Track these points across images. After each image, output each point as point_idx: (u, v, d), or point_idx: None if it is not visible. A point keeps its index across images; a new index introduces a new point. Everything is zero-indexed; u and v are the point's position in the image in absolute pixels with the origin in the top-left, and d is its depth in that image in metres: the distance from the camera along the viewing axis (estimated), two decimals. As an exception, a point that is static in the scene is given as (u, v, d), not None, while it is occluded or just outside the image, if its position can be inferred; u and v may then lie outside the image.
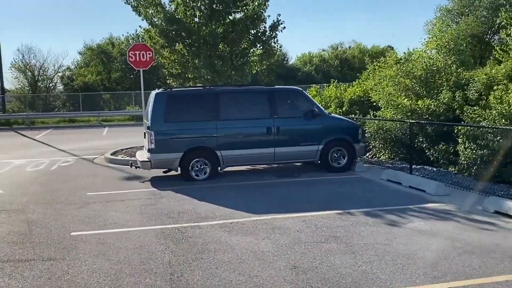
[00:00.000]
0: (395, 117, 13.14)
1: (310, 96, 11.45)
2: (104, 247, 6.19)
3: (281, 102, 11.28)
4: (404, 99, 12.99)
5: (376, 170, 11.45)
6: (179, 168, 10.64)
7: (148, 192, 9.60)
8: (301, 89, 11.56)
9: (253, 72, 16.70)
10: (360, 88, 16.88)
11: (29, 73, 45.15)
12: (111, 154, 15.20)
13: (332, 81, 18.86)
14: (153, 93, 10.76)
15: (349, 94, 16.93)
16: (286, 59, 53.98)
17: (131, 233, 6.74)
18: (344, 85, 18.76)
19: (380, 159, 12.93)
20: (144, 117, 11.26)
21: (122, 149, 16.22)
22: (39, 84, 45.64)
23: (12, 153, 17.25)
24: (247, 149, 10.80)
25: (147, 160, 10.52)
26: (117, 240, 6.45)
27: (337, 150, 11.34)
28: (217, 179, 10.68)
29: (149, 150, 10.45)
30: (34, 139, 22.60)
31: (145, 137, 10.88)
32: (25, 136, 24.56)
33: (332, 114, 12.22)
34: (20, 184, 10.84)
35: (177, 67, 15.43)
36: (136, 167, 11.11)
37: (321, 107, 11.69)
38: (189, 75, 15.28)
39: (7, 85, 44.30)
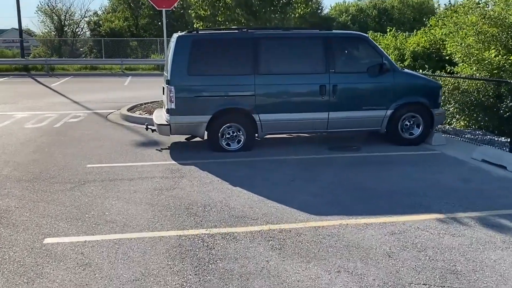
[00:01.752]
0: (477, 75, 10.38)
1: (377, 45, 8.83)
2: (83, 275, 3.95)
3: (340, 52, 8.66)
4: (492, 52, 10.18)
5: (459, 143, 8.87)
6: (205, 135, 8.28)
7: (165, 166, 7.31)
8: (366, 35, 8.86)
9: (297, 15, 13.94)
10: (425, 38, 13.99)
11: (55, 17, 43.22)
12: (128, 110, 12.94)
13: (388, 29, 15.93)
14: (175, 36, 8.27)
15: (411, 45, 14.08)
16: (320, 8, 50.07)
17: (131, 246, 4.48)
18: (404, 33, 15.82)
19: (453, 126, 10.31)
20: (164, 68, 8.78)
21: (142, 104, 13.95)
22: (66, 29, 43.89)
23: (19, 103, 15.17)
24: (293, 113, 8.34)
25: (166, 123, 8.17)
26: (107, 260, 4.20)
27: (410, 117, 8.76)
28: (253, 150, 8.31)
29: (168, 111, 8.08)
30: (49, 87, 20.52)
31: (163, 94, 8.50)
32: (41, 83, 22.51)
33: (405, 70, 9.53)
34: (9, 147, 8.69)
35: (206, 7, 12.81)
36: (152, 130, 8.80)
37: (392, 60, 9.01)
38: (220, 18, 12.68)
39: (34, 29, 42.68)
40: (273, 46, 8.38)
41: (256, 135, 8.40)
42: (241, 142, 8.33)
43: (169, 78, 8.01)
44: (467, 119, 10.16)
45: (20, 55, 31.39)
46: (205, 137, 8.32)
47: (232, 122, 8.25)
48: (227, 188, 6.21)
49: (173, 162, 7.61)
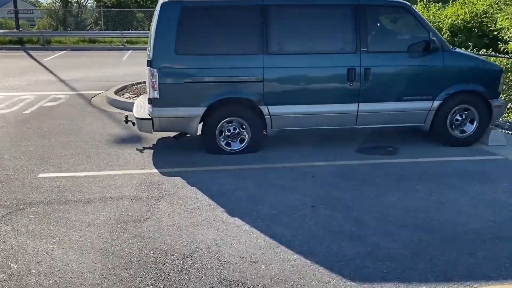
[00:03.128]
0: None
1: (422, 16, 6.81)
2: None
3: (375, 26, 6.68)
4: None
5: (524, 144, 6.93)
6: (199, 131, 6.40)
7: (141, 178, 5.48)
8: (408, 3, 6.83)
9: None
10: (465, 9, 11.85)
11: (60, -14, 41.41)
12: (116, 92, 11.08)
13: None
14: (159, 3, 6.31)
15: (449, 18, 11.96)
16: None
17: None
18: (437, 4, 13.64)
19: (507, 119, 8.32)
20: (148, 46, 6.85)
21: (134, 84, 12.09)
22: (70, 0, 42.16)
23: (-3, 82, 13.37)
24: (312, 105, 6.42)
25: (147, 117, 6.30)
26: None
27: (461, 110, 6.81)
28: (260, 152, 6.45)
29: (151, 101, 6.20)
30: (40, 63, 18.66)
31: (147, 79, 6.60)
32: (32, 58, 20.64)
33: (457, 49, 7.49)
34: (-47, 145, 6.90)
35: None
36: (134, 123, 6.91)
37: (441, 36, 6.98)
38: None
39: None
40: (287, 17, 6.40)
41: (265, 132, 6.51)
42: (245, 142, 6.46)
43: (151, 58, 6.10)
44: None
45: (15, 26, 29.45)
46: (199, 133, 6.43)
47: (233, 116, 6.36)
48: (221, 219, 4.36)
49: (154, 170, 5.77)
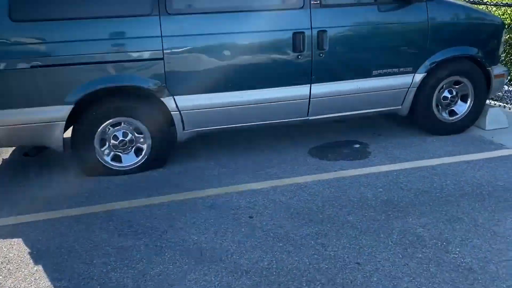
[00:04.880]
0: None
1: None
2: None
3: (329, -35, 4.47)
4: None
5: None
6: (63, 142, 4.03)
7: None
8: None
9: None
10: None
11: None
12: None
13: None
14: None
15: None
16: None
17: None
18: None
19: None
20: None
21: None
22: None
23: None
24: (242, 91, 4.21)
25: (-27, 127, 3.86)
26: None
27: (451, 84, 4.85)
28: (168, 166, 4.23)
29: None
30: None
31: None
32: None
33: (443, -4, 5.45)
34: None
35: None
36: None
37: (423, -21, 4.89)
38: None
39: None
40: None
41: (174, 137, 4.25)
42: (144, 153, 4.19)
43: (-31, 28, 3.62)
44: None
45: None
46: (62, 145, 4.07)
47: (120, 116, 4.05)
48: None
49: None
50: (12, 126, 3.81)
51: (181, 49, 3.98)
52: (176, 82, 4.02)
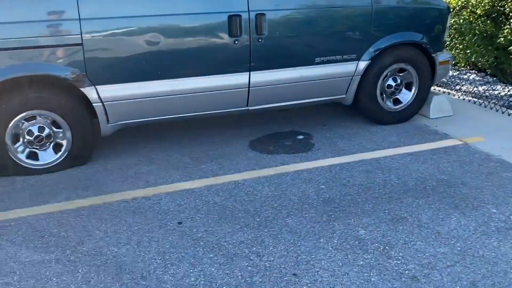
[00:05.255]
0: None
1: None
2: None
3: None
4: None
5: (473, 110, 5.03)
6: (-28, 141, 3.54)
7: None
8: None
9: None
10: None
11: None
12: None
13: None
14: None
15: None
16: None
17: None
18: None
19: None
20: None
21: None
22: None
23: None
24: (174, 80, 3.84)
25: None
26: None
27: (395, 72, 4.66)
28: (91, 165, 3.83)
29: None
30: None
31: None
32: None
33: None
34: None
35: None
36: None
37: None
38: None
39: None
40: None
41: (98, 130, 3.83)
42: (63, 149, 3.76)
43: None
44: (469, 56, 6.28)
45: None
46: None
47: (35, 108, 3.59)
48: None
49: None
50: None
51: (102, 33, 3.55)
52: (98, 70, 3.60)
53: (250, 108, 4.23)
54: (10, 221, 3.05)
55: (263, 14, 3.90)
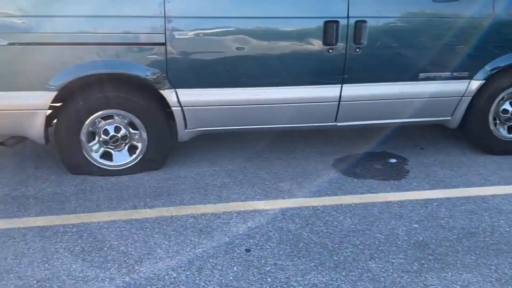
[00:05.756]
0: None
1: None
2: None
3: None
4: None
5: None
6: (42, 134, 3.44)
7: None
8: None
9: None
10: None
11: None
12: None
13: None
14: None
15: None
16: None
17: None
18: None
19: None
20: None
21: None
22: None
23: None
24: (258, 88, 3.52)
25: None
26: None
27: (514, 96, 4.04)
28: (164, 170, 3.63)
29: None
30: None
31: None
32: None
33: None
34: None
35: None
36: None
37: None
38: None
39: None
40: None
41: (175, 135, 3.62)
42: (138, 152, 3.59)
43: None
44: None
45: None
46: (43, 139, 3.50)
47: (113, 108, 3.44)
48: None
49: None
50: (-14, 111, 3.27)
51: (188, 34, 3.31)
52: (179, 73, 3.37)
53: (338, 123, 3.81)
54: (72, 227, 2.90)
55: (364, 22, 3.47)
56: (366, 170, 3.77)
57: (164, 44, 3.28)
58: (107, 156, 3.58)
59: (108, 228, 2.89)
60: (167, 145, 3.64)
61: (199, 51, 3.35)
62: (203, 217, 3.04)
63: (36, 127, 3.35)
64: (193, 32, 3.31)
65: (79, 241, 2.76)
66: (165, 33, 3.26)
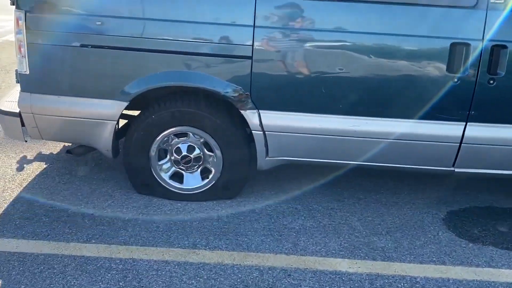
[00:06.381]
0: None
1: None
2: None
3: None
4: None
5: None
6: (110, 147, 3.10)
7: None
8: None
9: None
10: None
11: None
12: None
13: None
14: None
15: None
16: None
17: None
18: None
19: None
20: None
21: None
22: None
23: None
24: (358, 117, 2.88)
25: (13, 111, 3.14)
26: None
27: None
28: (237, 201, 3.13)
29: (20, 80, 3.00)
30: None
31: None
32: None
33: None
34: None
35: None
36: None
37: None
38: None
39: None
40: None
41: (254, 162, 3.11)
42: (211, 177, 3.13)
43: (16, -11, 2.87)
44: None
45: None
46: (110, 152, 3.17)
47: (187, 125, 3.01)
48: None
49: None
50: (54, 116, 3.01)
51: (279, 47, 2.79)
52: (265, 92, 2.86)
53: (456, 169, 3.05)
54: (119, 262, 2.51)
55: (504, 47, 2.69)
56: (487, 233, 2.97)
57: (250, 58, 2.78)
58: (177, 177, 3.18)
59: (158, 271, 2.46)
60: (244, 172, 3.15)
61: (289, 69, 2.81)
62: (270, 272, 2.49)
63: (103, 138, 3.03)
64: (285, 46, 2.78)
65: (121, 284, 2.35)
66: (252, 45, 2.76)
